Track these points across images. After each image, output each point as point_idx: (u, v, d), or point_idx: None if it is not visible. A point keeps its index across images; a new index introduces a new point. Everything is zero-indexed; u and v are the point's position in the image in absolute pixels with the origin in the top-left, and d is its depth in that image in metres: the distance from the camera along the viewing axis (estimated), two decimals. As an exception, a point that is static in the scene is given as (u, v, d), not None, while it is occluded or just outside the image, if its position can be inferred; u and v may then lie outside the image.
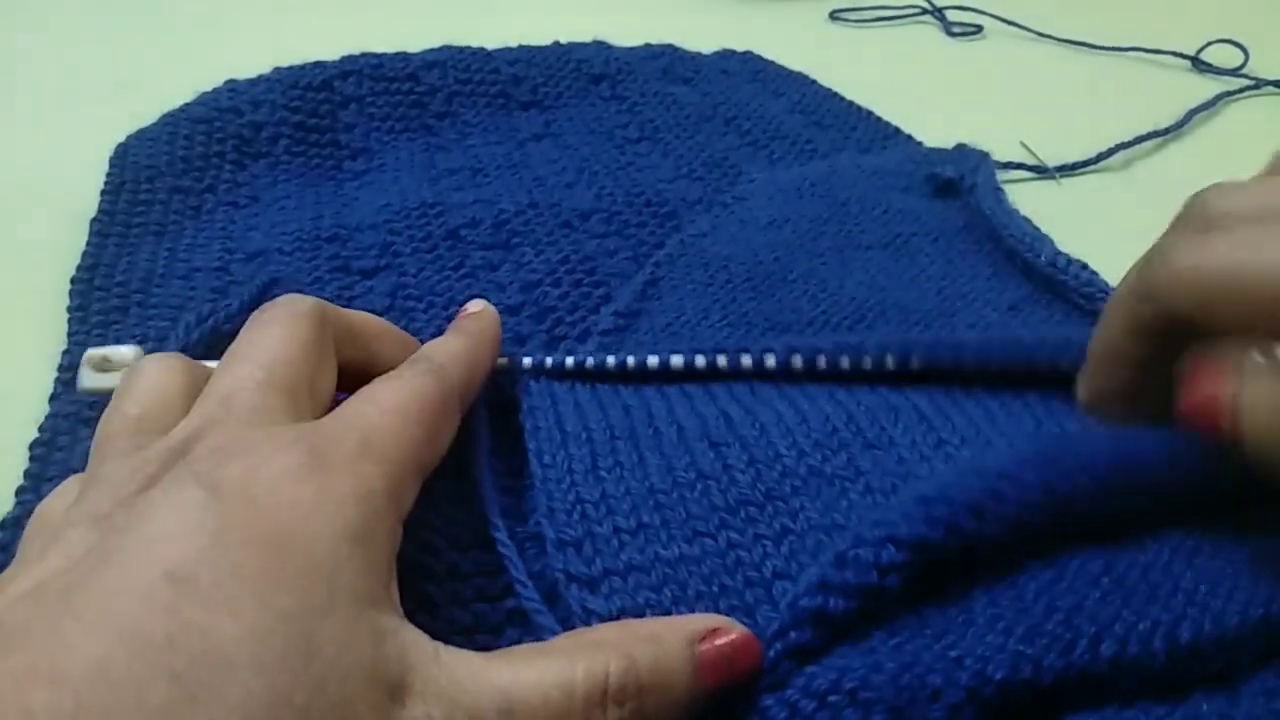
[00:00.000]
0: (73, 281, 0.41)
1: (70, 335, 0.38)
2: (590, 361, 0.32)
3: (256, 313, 0.27)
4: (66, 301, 0.40)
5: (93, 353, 0.31)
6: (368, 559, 0.20)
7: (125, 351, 0.31)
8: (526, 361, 0.32)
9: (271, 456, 0.21)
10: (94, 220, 0.45)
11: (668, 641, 0.21)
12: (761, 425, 0.29)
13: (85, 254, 0.42)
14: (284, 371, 0.24)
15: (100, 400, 0.34)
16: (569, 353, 0.33)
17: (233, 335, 0.34)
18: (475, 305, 0.32)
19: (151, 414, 0.24)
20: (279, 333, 0.25)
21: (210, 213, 0.46)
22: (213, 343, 0.36)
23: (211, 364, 0.27)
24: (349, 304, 0.39)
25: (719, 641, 0.21)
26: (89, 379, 0.31)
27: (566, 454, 0.29)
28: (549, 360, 0.32)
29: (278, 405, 0.23)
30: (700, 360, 0.32)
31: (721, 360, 0.32)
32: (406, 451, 0.23)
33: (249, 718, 0.17)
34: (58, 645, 0.17)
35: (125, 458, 0.22)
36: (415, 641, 0.20)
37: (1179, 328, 0.24)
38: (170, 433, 0.23)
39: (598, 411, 0.30)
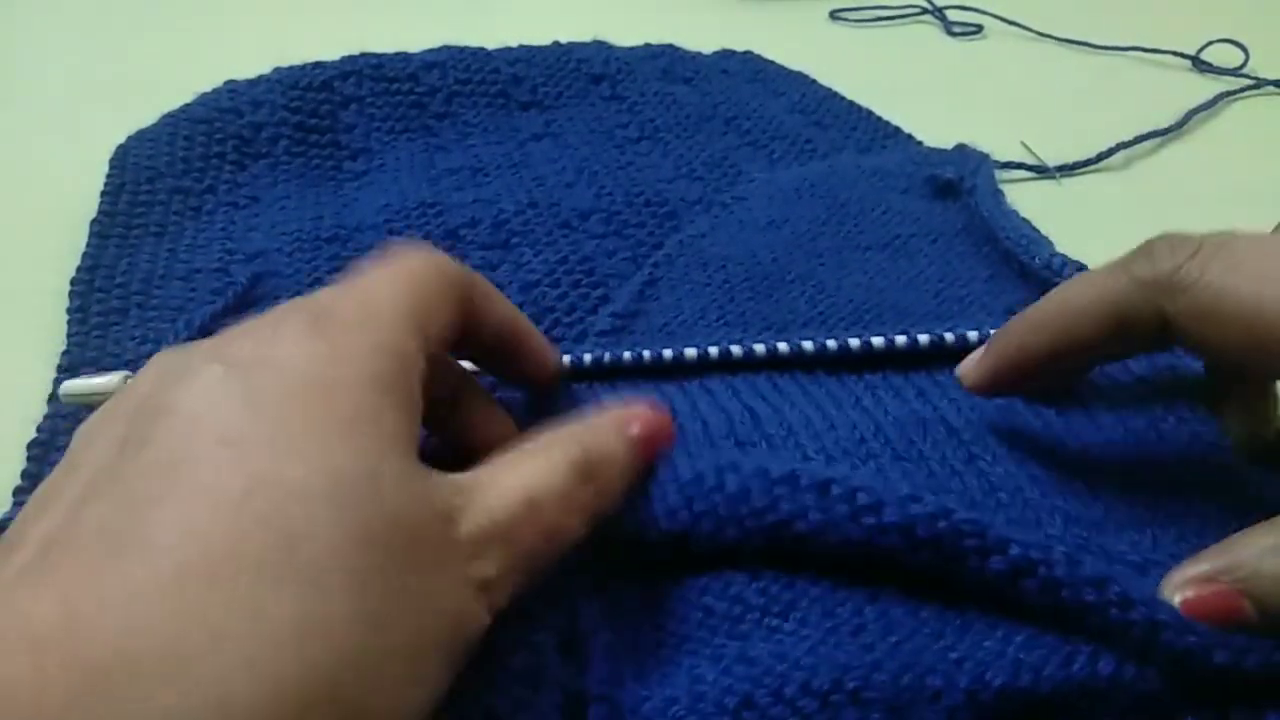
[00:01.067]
0: (73, 283, 0.41)
1: (70, 336, 0.38)
2: (606, 357, 0.32)
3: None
4: (66, 302, 0.40)
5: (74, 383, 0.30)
6: (399, 406, 0.21)
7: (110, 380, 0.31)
8: None
9: (277, 326, 0.21)
10: (94, 221, 0.45)
11: (605, 429, 0.25)
12: (789, 426, 0.29)
13: (85, 255, 0.43)
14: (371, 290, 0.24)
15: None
16: (581, 351, 0.33)
17: None
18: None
19: None
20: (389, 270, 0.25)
21: (210, 213, 0.46)
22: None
23: None
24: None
25: (642, 423, 0.25)
26: (72, 385, 0.30)
27: None
28: (565, 359, 0.32)
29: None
30: (714, 351, 0.32)
31: (736, 350, 0.32)
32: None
33: (341, 556, 0.17)
34: (144, 527, 0.17)
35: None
36: (443, 473, 0.21)
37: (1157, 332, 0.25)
38: None
39: None
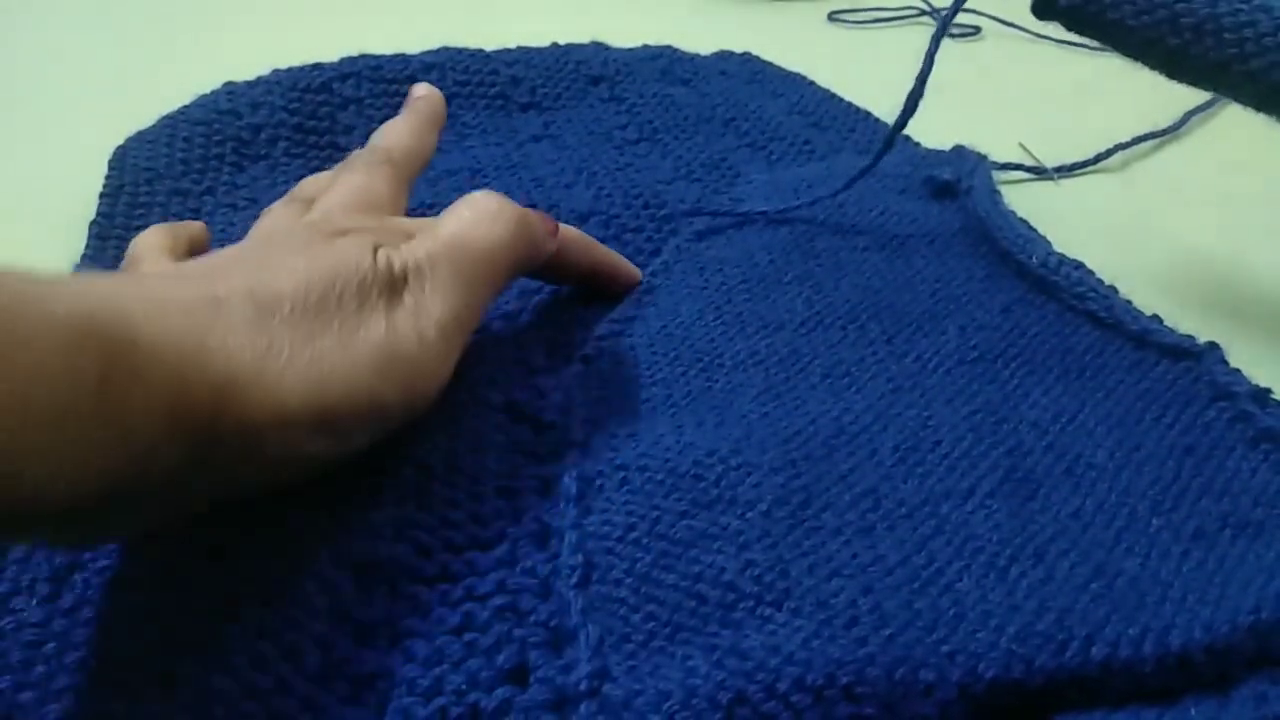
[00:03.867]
0: (71, 283, 0.41)
1: (69, 337, 0.38)
2: None
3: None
4: (65, 303, 0.40)
5: None
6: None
7: None
8: None
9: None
10: (93, 223, 0.45)
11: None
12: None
13: (84, 257, 0.43)
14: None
15: None
16: None
17: None
18: (421, 89, 0.41)
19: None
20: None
21: (209, 215, 0.46)
22: None
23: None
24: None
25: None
26: None
27: None
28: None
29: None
30: None
31: None
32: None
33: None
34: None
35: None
36: None
37: None
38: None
39: None
